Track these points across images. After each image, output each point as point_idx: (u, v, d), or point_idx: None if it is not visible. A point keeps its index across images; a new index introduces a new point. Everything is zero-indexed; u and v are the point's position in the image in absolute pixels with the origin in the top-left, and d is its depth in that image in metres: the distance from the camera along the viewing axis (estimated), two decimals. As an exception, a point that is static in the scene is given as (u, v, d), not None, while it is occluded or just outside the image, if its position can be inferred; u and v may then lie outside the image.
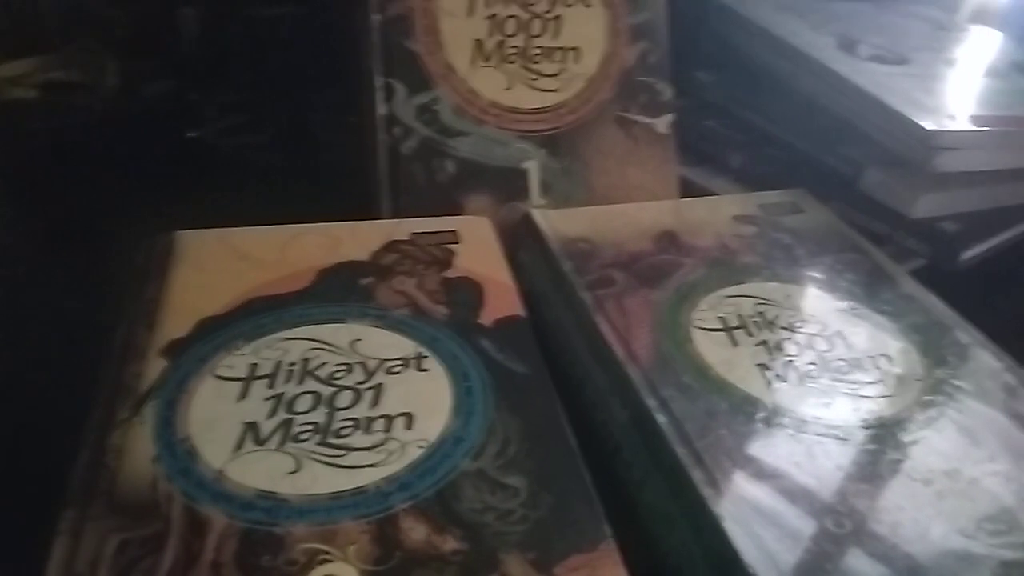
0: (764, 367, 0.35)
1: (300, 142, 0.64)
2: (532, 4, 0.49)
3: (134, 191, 0.55)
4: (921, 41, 0.66)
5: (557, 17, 0.49)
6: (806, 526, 0.28)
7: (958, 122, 0.51)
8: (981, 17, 0.79)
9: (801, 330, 0.38)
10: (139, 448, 0.28)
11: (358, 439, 0.29)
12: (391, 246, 0.41)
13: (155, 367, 0.32)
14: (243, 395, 0.31)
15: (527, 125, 0.48)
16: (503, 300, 0.38)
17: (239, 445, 0.29)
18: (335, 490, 0.27)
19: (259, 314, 0.35)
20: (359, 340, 0.34)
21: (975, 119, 0.52)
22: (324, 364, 0.33)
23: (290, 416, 0.30)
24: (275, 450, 0.29)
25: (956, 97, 0.57)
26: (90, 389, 0.31)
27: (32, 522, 0.26)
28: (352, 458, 0.29)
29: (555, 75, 0.49)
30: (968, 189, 0.53)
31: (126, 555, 0.25)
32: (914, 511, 0.29)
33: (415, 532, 0.26)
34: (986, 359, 0.38)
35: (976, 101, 0.58)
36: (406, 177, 0.46)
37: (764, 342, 0.37)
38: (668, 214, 0.47)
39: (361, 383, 0.32)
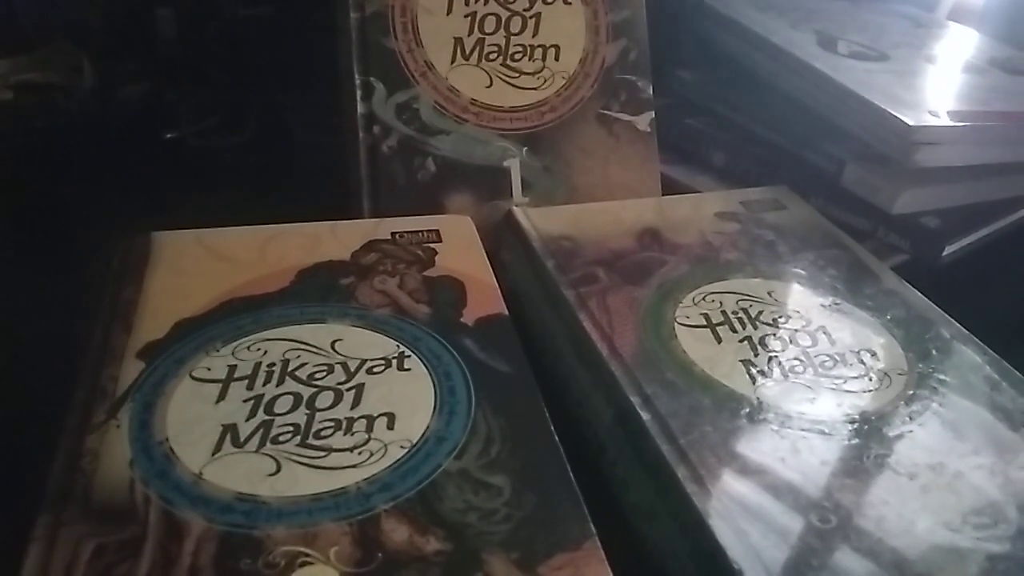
0: (748, 363, 0.35)
1: (279, 142, 0.64)
2: (511, 2, 0.49)
3: (111, 193, 0.54)
4: (900, 38, 0.67)
5: (537, 15, 0.49)
6: (792, 522, 0.28)
7: (939, 118, 0.51)
8: (959, 14, 0.80)
9: (784, 326, 0.38)
10: (115, 451, 0.28)
11: (339, 440, 0.29)
12: (372, 245, 0.41)
13: (132, 369, 0.31)
14: (222, 397, 0.31)
15: (508, 123, 0.48)
16: (485, 299, 0.38)
17: (218, 447, 0.28)
18: (316, 492, 0.27)
19: (238, 315, 0.35)
20: (340, 340, 0.34)
21: (955, 114, 0.52)
22: (304, 365, 0.32)
23: (270, 417, 0.30)
24: (254, 452, 0.28)
25: (936, 93, 0.57)
26: (66, 392, 0.30)
27: (6, 527, 0.25)
28: (333, 459, 0.28)
29: (535, 73, 0.49)
30: (949, 184, 0.54)
31: (102, 560, 0.24)
32: (899, 505, 0.29)
33: (397, 533, 0.26)
34: (969, 353, 0.38)
35: (956, 97, 0.58)
36: (386, 176, 0.46)
37: (748, 338, 0.37)
38: (650, 211, 0.47)
39: (342, 383, 0.32)
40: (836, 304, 0.40)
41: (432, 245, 0.41)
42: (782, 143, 0.59)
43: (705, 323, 0.38)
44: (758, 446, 0.31)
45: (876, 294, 0.41)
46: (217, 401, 0.30)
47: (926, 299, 0.41)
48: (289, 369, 0.32)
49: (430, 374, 0.33)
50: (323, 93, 0.52)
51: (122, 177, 0.56)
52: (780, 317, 0.38)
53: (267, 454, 0.28)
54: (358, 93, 0.46)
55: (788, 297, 0.40)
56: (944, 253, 0.52)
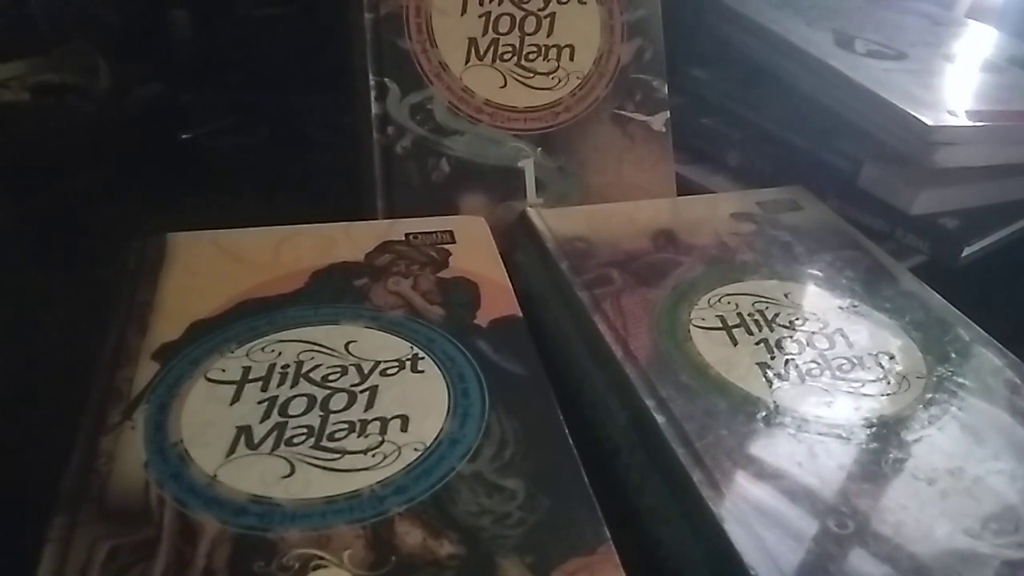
0: (764, 366, 0.35)
1: (293, 143, 0.64)
2: (526, 1, 0.48)
3: (126, 193, 0.54)
4: (918, 36, 0.66)
5: (551, 15, 0.49)
6: (808, 527, 0.27)
7: (957, 117, 0.51)
8: (978, 12, 0.79)
9: (801, 328, 0.38)
10: (130, 453, 0.28)
11: (353, 442, 0.29)
12: (385, 246, 0.41)
13: (147, 370, 0.32)
14: (236, 398, 0.31)
15: (522, 124, 0.48)
16: (499, 300, 0.38)
17: (232, 449, 0.28)
18: (329, 494, 0.27)
19: (252, 316, 0.35)
20: (353, 342, 0.34)
21: (974, 114, 0.52)
22: (318, 366, 0.32)
23: (284, 419, 0.30)
24: (268, 454, 0.28)
25: (954, 92, 0.57)
26: (81, 393, 0.30)
27: (22, 529, 0.25)
28: (346, 461, 0.28)
29: (550, 73, 0.49)
30: (968, 185, 0.53)
31: (116, 562, 0.24)
32: (918, 511, 0.28)
33: (411, 536, 0.26)
34: (988, 356, 0.37)
35: (974, 96, 0.57)
36: (400, 177, 0.46)
37: (764, 341, 0.36)
38: (665, 212, 0.47)
39: (356, 385, 0.32)
40: (853, 306, 0.40)
41: (446, 246, 0.41)
42: (798, 143, 0.58)
43: (721, 325, 0.37)
44: (774, 450, 0.31)
45: (894, 296, 0.41)
46: (232, 403, 0.30)
47: (945, 301, 0.41)
48: (303, 371, 0.32)
49: (444, 376, 0.33)
50: (337, 94, 0.52)
51: (137, 178, 0.57)
52: (797, 319, 0.38)
53: (281, 456, 0.28)
54: (372, 94, 0.45)
55: (805, 299, 0.40)
56: (963, 254, 0.51)
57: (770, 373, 0.34)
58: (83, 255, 0.48)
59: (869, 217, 0.53)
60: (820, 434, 0.31)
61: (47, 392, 0.36)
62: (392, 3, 0.46)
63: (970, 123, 0.51)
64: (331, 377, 0.32)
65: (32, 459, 0.31)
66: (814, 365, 0.35)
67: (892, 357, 0.36)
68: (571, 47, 0.49)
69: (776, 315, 0.38)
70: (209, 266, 0.38)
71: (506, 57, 0.48)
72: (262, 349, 0.33)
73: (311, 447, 0.29)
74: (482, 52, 0.48)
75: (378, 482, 0.27)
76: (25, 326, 0.43)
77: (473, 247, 0.41)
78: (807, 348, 0.36)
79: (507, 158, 0.48)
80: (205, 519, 0.26)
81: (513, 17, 0.48)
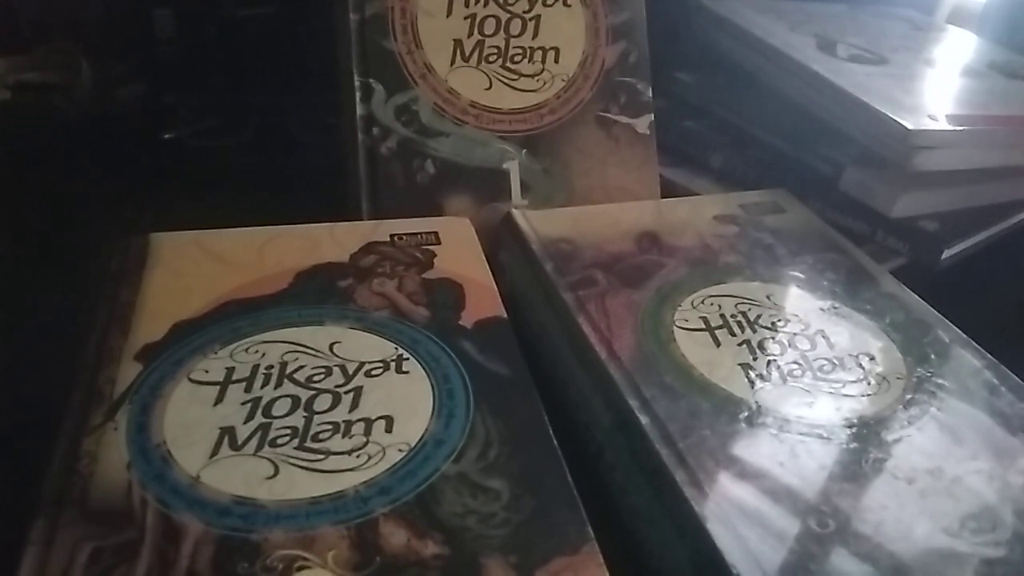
0: (747, 367, 0.35)
1: (277, 143, 0.63)
2: (511, 4, 0.49)
3: (108, 193, 0.54)
4: (900, 41, 0.67)
5: (537, 17, 0.49)
6: (790, 526, 0.28)
7: (938, 121, 0.51)
8: (958, 17, 0.80)
9: (783, 329, 0.38)
10: (113, 454, 0.28)
11: (337, 443, 0.29)
12: (370, 247, 0.40)
13: (129, 371, 0.31)
14: (219, 399, 0.30)
15: (507, 125, 0.48)
16: (484, 301, 0.38)
17: (215, 450, 0.28)
18: (313, 495, 0.27)
19: (236, 317, 0.35)
20: (338, 342, 0.34)
21: (954, 118, 0.52)
22: (302, 367, 0.32)
23: (267, 420, 0.30)
24: (252, 455, 0.28)
25: (935, 97, 0.57)
26: (63, 394, 0.30)
27: (3, 531, 0.25)
28: (331, 462, 0.28)
29: (535, 75, 0.49)
30: (948, 188, 0.54)
31: (99, 564, 0.24)
32: (897, 510, 0.29)
33: (395, 537, 0.26)
34: (967, 357, 0.38)
35: (955, 101, 0.58)
36: (385, 178, 0.46)
37: (746, 342, 0.37)
38: (649, 214, 0.47)
39: (340, 386, 0.32)
40: (835, 308, 0.40)
41: (431, 247, 0.41)
42: (781, 146, 0.59)
43: (704, 326, 0.38)
44: (756, 450, 0.31)
45: (874, 298, 0.41)
46: (215, 404, 0.30)
47: (924, 303, 0.41)
48: (287, 371, 0.32)
49: (428, 377, 0.33)
50: (322, 94, 0.52)
51: (120, 178, 0.56)
52: (779, 321, 0.38)
53: (265, 457, 0.28)
54: (357, 95, 0.46)
55: (787, 301, 0.40)
56: (943, 257, 0.51)
57: (752, 374, 0.35)
58: (65, 255, 0.48)
59: (850, 220, 0.54)
60: (801, 434, 0.32)
61: (29, 392, 0.36)
62: (377, 4, 0.46)
63: (950, 127, 0.51)
64: (315, 378, 0.32)
65: (14, 460, 0.31)
66: (795, 366, 0.36)
67: (872, 358, 0.37)
68: (556, 49, 0.50)
69: (758, 316, 0.39)
70: (192, 267, 0.38)
71: (491, 59, 0.48)
72: (246, 350, 0.33)
73: (295, 448, 0.29)
74: (467, 54, 0.48)
75: (363, 483, 0.27)
76: (6, 326, 0.42)
77: (458, 248, 0.42)
78: (789, 349, 0.37)
79: (492, 160, 0.48)
80: (188, 520, 0.26)
81: (498, 19, 0.48)
